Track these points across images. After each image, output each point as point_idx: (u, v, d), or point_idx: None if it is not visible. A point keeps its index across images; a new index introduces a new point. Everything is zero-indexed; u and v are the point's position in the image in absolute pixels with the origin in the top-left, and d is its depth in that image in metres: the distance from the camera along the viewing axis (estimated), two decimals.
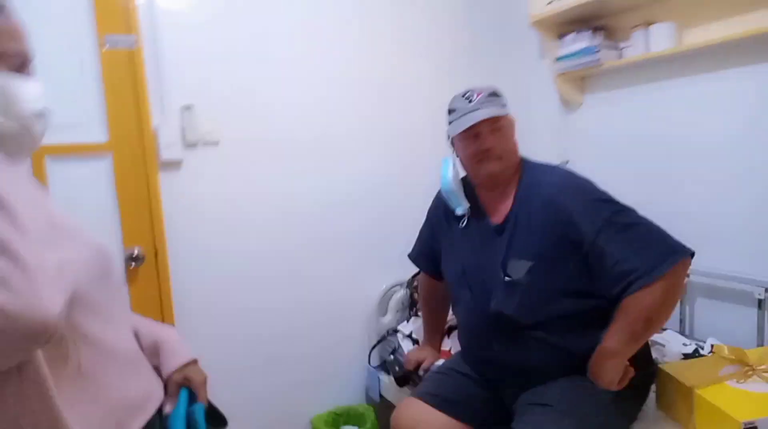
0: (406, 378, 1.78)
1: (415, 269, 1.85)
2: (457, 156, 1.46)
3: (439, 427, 1.40)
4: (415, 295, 2.06)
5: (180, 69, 1.77)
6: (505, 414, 1.37)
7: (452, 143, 1.46)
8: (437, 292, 1.70)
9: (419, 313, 1.93)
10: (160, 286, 1.76)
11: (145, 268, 1.75)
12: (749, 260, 1.67)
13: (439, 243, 1.58)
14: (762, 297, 1.60)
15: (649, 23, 1.84)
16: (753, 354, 1.36)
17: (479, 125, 1.33)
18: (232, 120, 1.86)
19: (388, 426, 1.50)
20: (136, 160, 1.72)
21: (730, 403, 1.19)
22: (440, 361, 1.69)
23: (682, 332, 1.78)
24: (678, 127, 1.85)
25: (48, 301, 0.58)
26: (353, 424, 2.04)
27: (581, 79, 2.19)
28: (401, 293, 2.14)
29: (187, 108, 1.78)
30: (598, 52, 1.95)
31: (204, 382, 0.95)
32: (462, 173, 1.49)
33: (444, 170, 1.44)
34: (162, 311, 1.76)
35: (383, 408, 1.95)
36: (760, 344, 1.60)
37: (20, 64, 0.75)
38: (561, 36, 2.10)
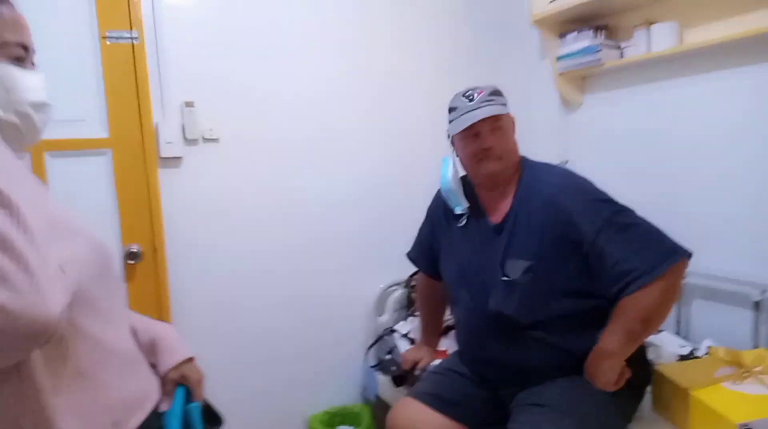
0: (402, 378, 1.77)
1: (413, 269, 1.84)
2: (457, 155, 1.45)
3: (435, 427, 1.39)
4: (413, 295, 2.06)
5: (181, 66, 1.77)
6: (502, 414, 1.37)
7: (452, 142, 1.45)
8: (435, 292, 1.69)
9: (417, 313, 1.93)
10: (158, 283, 1.76)
11: (143, 265, 1.75)
12: (746, 262, 1.67)
13: (438, 242, 1.58)
14: (758, 299, 1.60)
15: (650, 23, 1.84)
16: (749, 356, 1.36)
17: (479, 124, 1.32)
18: (232, 117, 1.86)
19: (384, 426, 1.49)
20: (136, 156, 1.72)
21: (726, 405, 1.20)
22: (437, 361, 1.69)
23: (678, 334, 1.78)
24: (678, 127, 1.85)
25: (50, 300, 0.57)
26: (349, 424, 2.03)
27: (582, 79, 2.19)
28: (399, 293, 2.14)
29: (188, 105, 1.78)
30: (599, 51, 1.94)
31: (201, 380, 0.94)
32: (462, 172, 1.48)
33: (444, 169, 1.43)
34: (159, 309, 1.76)
35: (379, 408, 1.95)
36: (756, 346, 1.60)
37: (22, 55, 0.75)
38: (562, 35, 2.10)
